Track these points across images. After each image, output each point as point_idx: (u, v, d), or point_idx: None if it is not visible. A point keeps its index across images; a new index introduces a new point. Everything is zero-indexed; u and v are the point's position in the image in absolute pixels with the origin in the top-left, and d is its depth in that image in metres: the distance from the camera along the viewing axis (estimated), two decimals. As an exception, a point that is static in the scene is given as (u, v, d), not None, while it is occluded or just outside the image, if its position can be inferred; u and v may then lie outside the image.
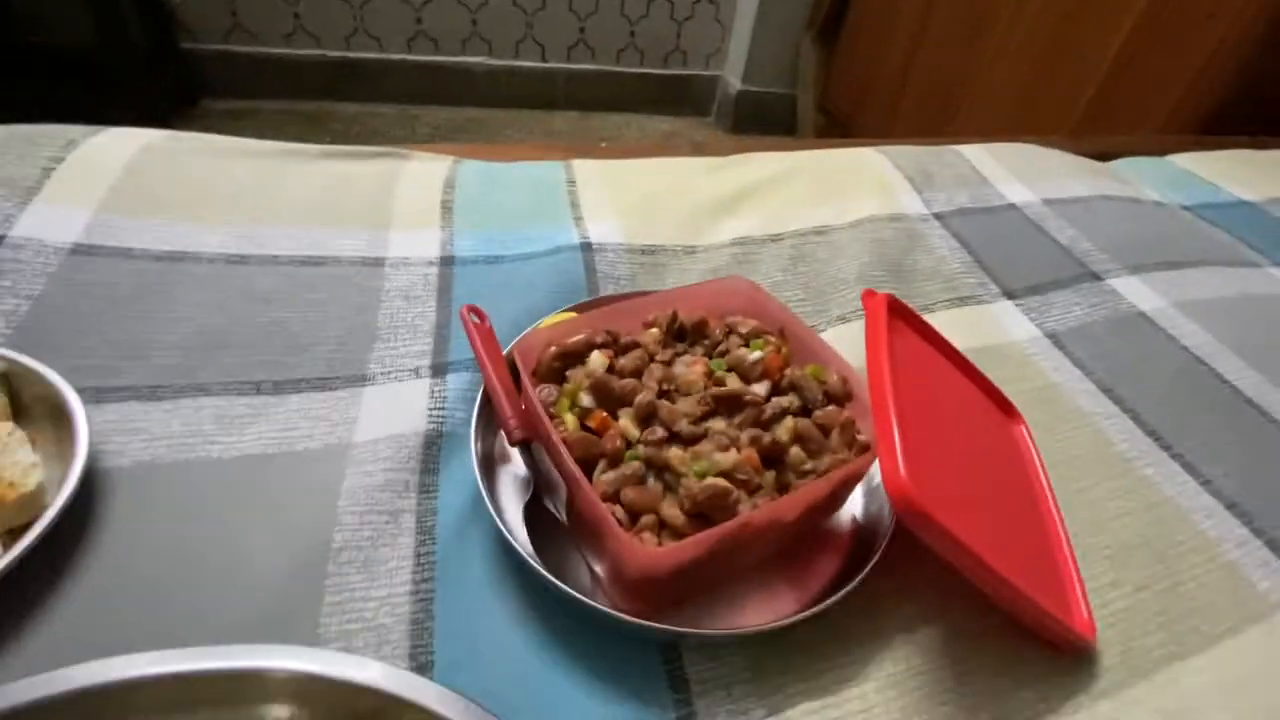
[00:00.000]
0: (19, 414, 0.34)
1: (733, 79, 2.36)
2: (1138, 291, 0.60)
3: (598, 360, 0.37)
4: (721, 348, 0.39)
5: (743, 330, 0.40)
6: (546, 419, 0.33)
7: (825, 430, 0.35)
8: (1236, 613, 0.36)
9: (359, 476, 0.35)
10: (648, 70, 2.41)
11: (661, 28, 2.33)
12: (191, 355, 0.40)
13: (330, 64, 2.17)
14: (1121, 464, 0.44)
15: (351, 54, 2.18)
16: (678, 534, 0.30)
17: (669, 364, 0.37)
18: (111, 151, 0.52)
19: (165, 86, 1.88)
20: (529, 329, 0.42)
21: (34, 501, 0.30)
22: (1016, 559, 0.32)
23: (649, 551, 0.28)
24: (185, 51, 1.96)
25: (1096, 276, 0.61)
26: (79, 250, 0.44)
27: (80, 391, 0.34)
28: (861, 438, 0.35)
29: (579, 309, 0.45)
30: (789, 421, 0.34)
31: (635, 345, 0.38)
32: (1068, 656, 0.34)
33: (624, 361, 0.37)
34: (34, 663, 0.27)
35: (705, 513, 0.30)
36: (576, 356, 0.37)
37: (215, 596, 0.30)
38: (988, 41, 1.49)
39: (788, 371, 0.37)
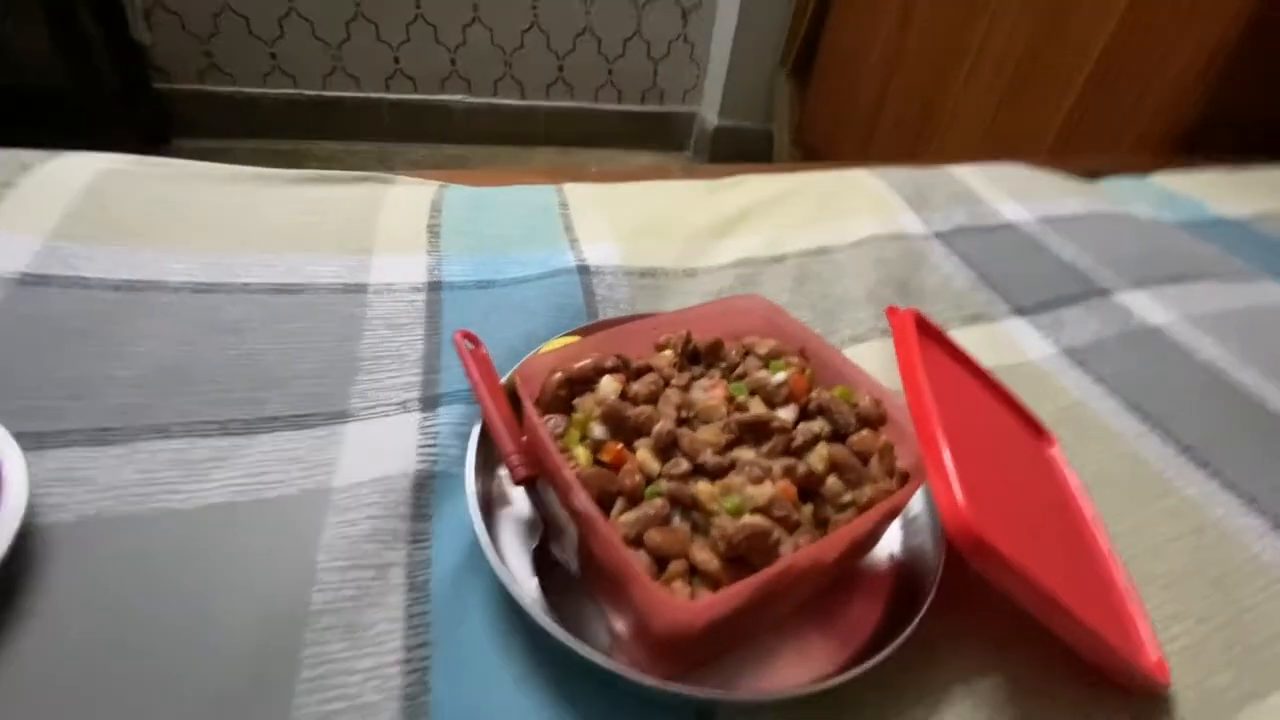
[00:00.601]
0: (-59, 465, 0.30)
1: (709, 114, 2.40)
2: (1146, 306, 0.59)
3: (609, 386, 0.33)
4: (739, 370, 0.36)
5: (761, 351, 0.37)
6: (555, 453, 0.29)
7: (863, 457, 0.32)
8: (1310, 644, 0.33)
9: (340, 526, 0.31)
10: (626, 107, 2.45)
11: (638, 66, 2.37)
12: (149, 393, 0.36)
13: (307, 103, 2.16)
14: (1161, 484, 0.42)
15: (329, 93, 2.17)
16: (712, 581, 0.26)
17: (686, 388, 0.34)
18: (69, 176, 0.48)
19: (136, 126, 1.84)
20: (529, 355, 0.39)
21: (-49, 568, 0.25)
22: (1080, 594, 0.29)
23: (684, 605, 0.25)
24: (158, 92, 1.93)
25: (1104, 292, 0.60)
26: (27, 280, 0.40)
27: (18, 438, 0.30)
28: (900, 465, 0.32)
29: (581, 333, 0.42)
30: (823, 449, 0.31)
31: (648, 369, 0.34)
32: (1139, 701, 0.30)
33: (637, 387, 0.33)
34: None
35: (743, 556, 0.26)
36: (585, 383, 0.34)
37: (171, 673, 0.25)
38: (958, 71, 1.53)
39: (814, 394, 0.34)
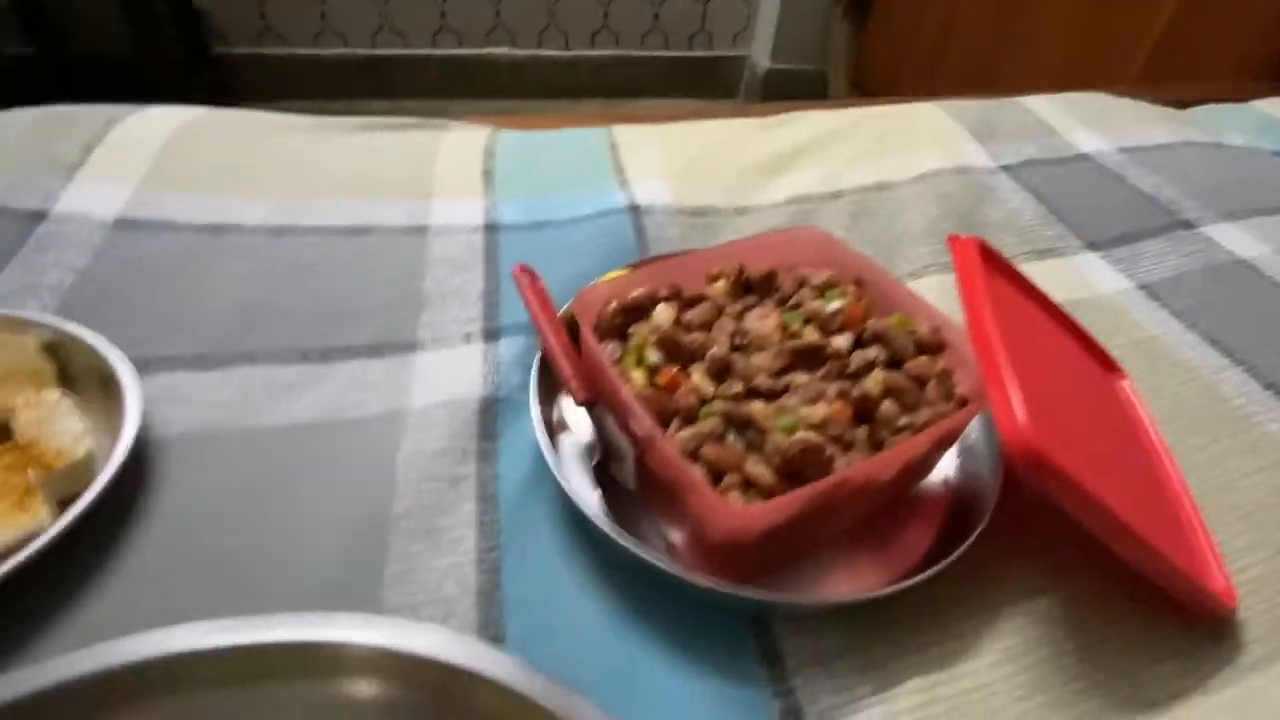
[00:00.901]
0: (67, 384, 0.33)
1: (760, 57, 2.30)
2: (1235, 238, 0.55)
3: (664, 314, 0.34)
4: (793, 300, 0.36)
5: (816, 281, 0.37)
6: (614, 375, 0.30)
7: (920, 383, 0.31)
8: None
9: (416, 443, 0.33)
10: (673, 53, 2.37)
11: (686, 8, 2.29)
12: (235, 325, 0.39)
13: (357, 62, 2.18)
14: (1241, 419, 0.40)
15: (378, 51, 2.19)
16: (766, 494, 0.27)
17: (739, 317, 0.35)
18: (152, 128, 0.51)
19: (200, 91, 1.91)
20: (586, 288, 0.40)
21: (83, 470, 0.29)
22: (1146, 518, 0.28)
23: (741, 511, 0.26)
24: (218, 56, 1.99)
25: (1188, 225, 0.56)
26: (122, 224, 0.43)
27: (128, 361, 0.33)
28: (960, 390, 0.32)
29: (634, 268, 0.42)
30: (878, 374, 0.31)
31: (702, 298, 0.35)
32: (1205, 627, 0.30)
33: (692, 315, 0.34)
34: (90, 635, 0.25)
35: (797, 470, 0.27)
36: (640, 311, 0.34)
37: (274, 566, 0.28)
38: (1034, -2, 1.42)
39: (870, 323, 0.34)
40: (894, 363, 0.32)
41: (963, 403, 0.31)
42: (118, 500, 0.29)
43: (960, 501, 0.34)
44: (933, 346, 0.33)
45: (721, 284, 0.36)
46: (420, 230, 0.48)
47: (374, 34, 2.13)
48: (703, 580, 0.26)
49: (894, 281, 0.37)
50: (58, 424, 0.29)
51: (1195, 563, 0.30)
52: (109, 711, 0.21)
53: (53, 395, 0.30)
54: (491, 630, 0.27)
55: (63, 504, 0.28)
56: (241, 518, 0.30)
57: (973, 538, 0.29)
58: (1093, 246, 0.54)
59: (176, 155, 0.50)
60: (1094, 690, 0.27)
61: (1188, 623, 0.30)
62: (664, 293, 0.35)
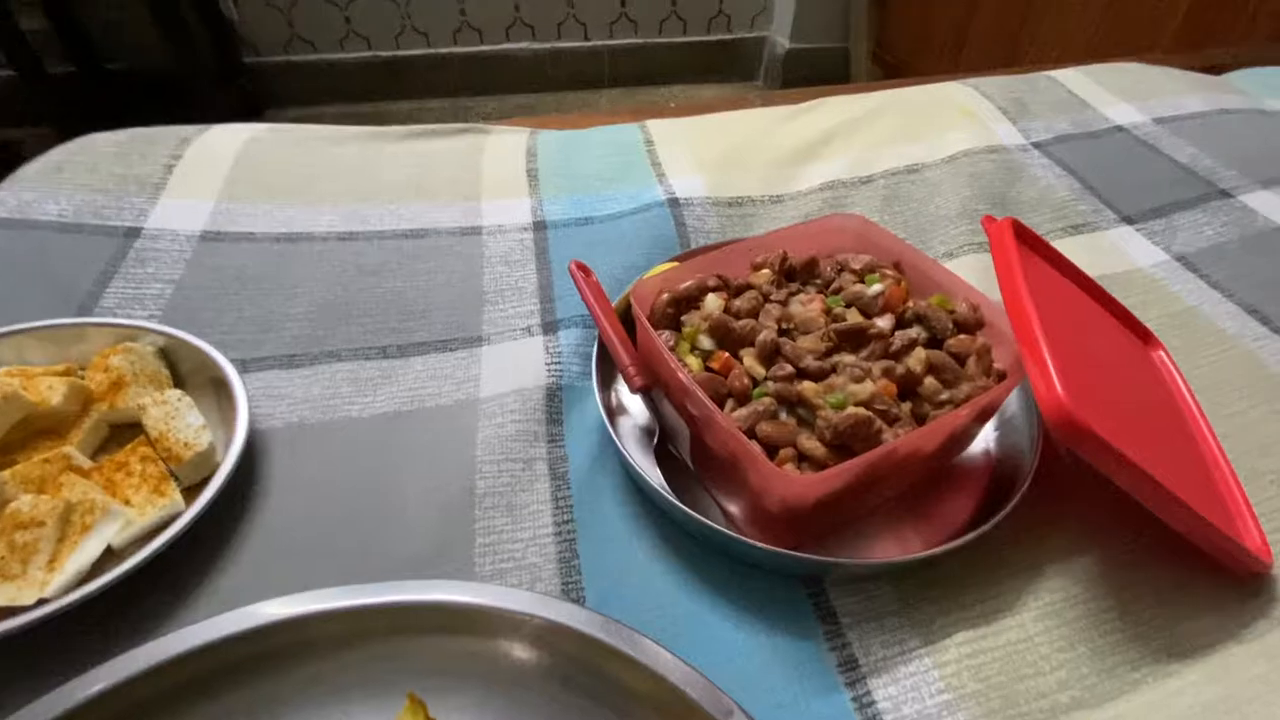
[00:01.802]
0: (178, 384, 0.37)
1: (780, 38, 2.29)
2: (1275, 206, 0.55)
3: (713, 303, 0.36)
4: (835, 285, 0.38)
5: (856, 266, 0.39)
6: (672, 360, 0.33)
7: (960, 359, 0.33)
8: None
9: (491, 428, 0.36)
10: (692, 38, 2.37)
11: (704, -8, 2.27)
12: (319, 326, 0.42)
13: (382, 64, 2.23)
14: (1279, 386, 0.41)
15: (401, 52, 2.23)
16: (819, 466, 0.29)
17: (784, 303, 0.37)
18: (222, 145, 0.55)
19: (233, 100, 1.97)
20: (636, 280, 0.42)
21: (207, 460, 0.32)
22: (1182, 480, 0.30)
23: (797, 479, 0.28)
24: (249, 65, 2.05)
25: (1226, 194, 0.56)
26: (208, 236, 0.47)
27: (230, 362, 0.36)
28: (999, 366, 0.34)
29: (680, 259, 0.45)
30: (920, 352, 0.33)
31: (748, 287, 0.37)
32: (1240, 582, 0.31)
33: (739, 303, 0.36)
34: (225, 602, 0.29)
35: (847, 443, 0.29)
36: (690, 301, 0.37)
37: (377, 540, 0.32)
38: (1064, -37, 1.38)
39: (910, 304, 0.36)
40: (934, 341, 0.34)
41: (1001, 377, 0.33)
42: (236, 485, 0.32)
43: (1001, 470, 0.36)
44: (971, 324, 0.35)
45: (766, 272, 0.38)
46: (474, 231, 0.51)
47: (397, 35, 2.17)
48: (761, 544, 0.29)
49: (932, 263, 0.38)
50: (182, 420, 0.33)
51: (1232, 522, 0.32)
52: (252, 670, 0.25)
53: (175, 394, 0.34)
54: (573, 594, 0.30)
55: (191, 489, 0.32)
56: (342, 499, 0.33)
57: (1014, 502, 0.31)
58: (1128, 220, 0.54)
59: (249, 170, 0.53)
60: (1132, 642, 0.29)
61: (1224, 579, 0.31)
62: (712, 283, 0.37)
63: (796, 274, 0.39)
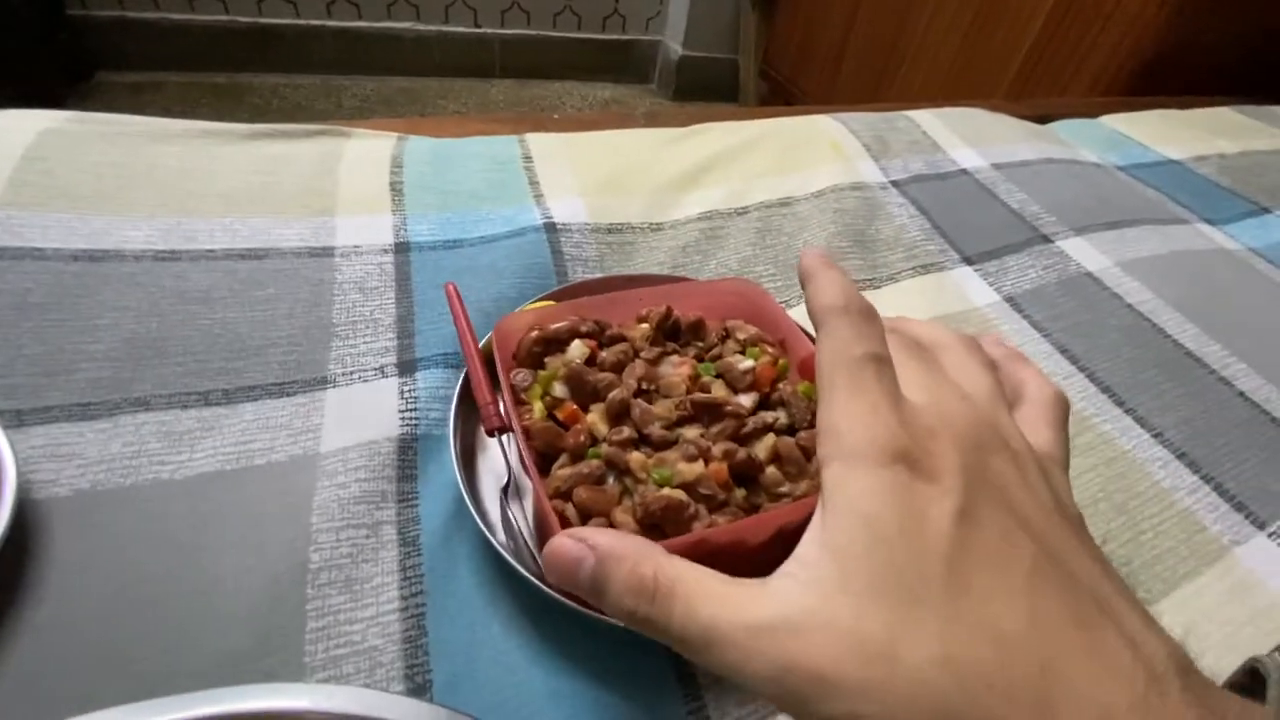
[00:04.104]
0: (-75, 446, 0.30)
1: (673, 44, 2.32)
2: (1084, 252, 0.62)
3: (577, 349, 0.35)
4: (715, 351, 0.37)
5: (740, 336, 0.37)
6: (512, 404, 0.31)
7: (808, 453, 0.33)
8: (1193, 557, 0.39)
9: (331, 490, 0.33)
10: (586, 35, 2.34)
11: (599, -10, 2.25)
12: (124, 366, 0.36)
13: (241, 31, 2.01)
14: (1080, 421, 0.46)
15: (265, 19, 2.02)
16: None
17: (654, 362, 0.35)
18: (7, 137, 0.46)
19: (54, 59, 1.69)
20: (508, 314, 0.40)
21: (-44, 546, 0.27)
22: None
23: None
24: (74, 19, 1.78)
25: (1047, 239, 0.63)
26: (-24, 253, 0.39)
27: (-3, 415, 0.30)
28: None
29: (557, 296, 0.43)
30: (769, 439, 0.32)
31: (621, 338, 0.36)
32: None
33: (606, 354, 0.35)
34: (-23, 727, 0.24)
35: (659, 524, 0.28)
36: (558, 343, 0.35)
37: (184, 633, 0.27)
38: (924, 7, 1.51)
39: (781, 386, 0.35)
40: (792, 429, 0.33)
41: None
42: (1, 576, 0.27)
43: None
44: None
45: (645, 327, 0.37)
46: (326, 251, 0.46)
47: (259, 1, 1.96)
48: (601, 615, 0.28)
49: (814, 351, 0.37)
50: (-80, 498, 0.27)
51: None
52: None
53: (-89, 465, 0.28)
54: (418, 678, 0.28)
55: (-68, 585, 0.26)
56: (144, 584, 0.28)
57: None
58: (968, 261, 0.60)
59: (39, 170, 0.45)
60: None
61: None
62: (585, 328, 0.36)
63: (681, 333, 0.38)
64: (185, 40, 1.91)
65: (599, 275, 0.49)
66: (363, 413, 0.37)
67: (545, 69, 2.34)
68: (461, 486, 0.32)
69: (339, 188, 0.52)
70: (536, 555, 0.32)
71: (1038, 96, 1.25)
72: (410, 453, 0.35)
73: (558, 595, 0.28)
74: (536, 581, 0.29)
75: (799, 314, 0.46)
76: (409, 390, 0.38)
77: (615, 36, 2.34)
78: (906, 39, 1.59)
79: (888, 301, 0.53)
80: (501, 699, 0.28)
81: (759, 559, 0.33)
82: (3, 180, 0.43)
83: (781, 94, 2.18)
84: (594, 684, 0.29)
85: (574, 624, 0.31)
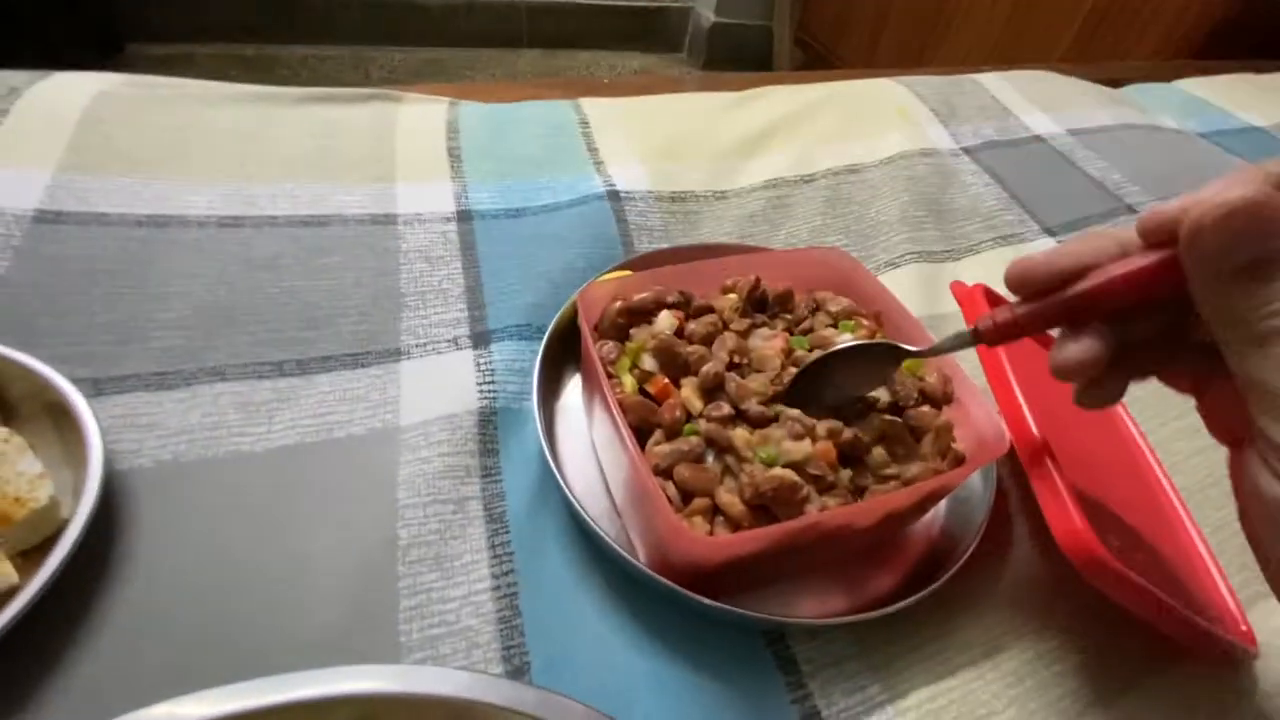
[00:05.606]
0: (7, 416, 0.29)
1: (705, 10, 2.24)
2: (1172, 224, 0.59)
3: (666, 321, 0.33)
4: (806, 324, 0.35)
5: (833, 309, 0.35)
6: (604, 377, 0.29)
7: (917, 434, 0.31)
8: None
9: (415, 464, 0.32)
10: (616, 2, 2.27)
11: (629, -46, 2.18)
12: (196, 335, 0.35)
13: (269, 1, 1.98)
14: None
15: (292, -12, 1.99)
16: (733, 524, 0.26)
17: (744, 335, 0.33)
18: (63, 100, 0.45)
19: (85, 33, 1.69)
20: (589, 283, 0.37)
21: (48, 517, 0.26)
22: (1172, 580, 0.30)
23: (701, 539, 0.25)
24: (103, -10, 1.76)
25: (1131, 209, 0.60)
26: (44, 217, 0.38)
27: (75, 383, 0.29)
28: (957, 447, 0.31)
29: (631, 267, 0.41)
30: (874, 417, 0.30)
31: (709, 309, 0.34)
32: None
33: (694, 326, 0.33)
34: (74, 706, 0.23)
35: (767, 505, 0.27)
36: (644, 314, 0.33)
37: (277, 610, 0.26)
38: (977, -36, 1.43)
39: None
40: (895, 408, 0.31)
41: (958, 460, 0.30)
42: (90, 547, 0.26)
43: (938, 542, 0.34)
44: (939, 398, 0.32)
45: (732, 297, 0.35)
46: (389, 219, 0.45)
47: (287, -31, 1.93)
48: (715, 604, 0.27)
49: (917, 323, 0.33)
50: (10, 468, 0.26)
51: (1221, 616, 0.31)
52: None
53: (0, 433, 0.27)
54: (516, 660, 0.27)
55: (28, 554, 0.26)
56: (233, 559, 0.28)
57: (966, 555, 0.30)
58: (1050, 232, 0.56)
59: (98, 133, 0.44)
60: (1077, 673, 0.30)
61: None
62: (671, 299, 0.34)
63: (768, 305, 0.36)
64: (215, 10, 1.89)
65: (666, 246, 0.46)
66: (440, 385, 0.35)
67: (573, 38, 2.28)
68: (550, 459, 0.31)
69: (396, 154, 0.50)
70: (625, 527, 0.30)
71: (1099, 60, 1.19)
72: (490, 426, 0.34)
73: (650, 573, 0.27)
74: (629, 557, 0.28)
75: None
76: (485, 363, 0.37)
77: (645, 3, 2.27)
78: (954, 2, 1.52)
79: (969, 274, 0.50)
80: (600, 682, 0.27)
81: (867, 539, 0.32)
82: (62, 144, 0.42)
83: (819, 62, 2.10)
84: (693, 670, 0.28)
85: (667, 605, 0.29)
